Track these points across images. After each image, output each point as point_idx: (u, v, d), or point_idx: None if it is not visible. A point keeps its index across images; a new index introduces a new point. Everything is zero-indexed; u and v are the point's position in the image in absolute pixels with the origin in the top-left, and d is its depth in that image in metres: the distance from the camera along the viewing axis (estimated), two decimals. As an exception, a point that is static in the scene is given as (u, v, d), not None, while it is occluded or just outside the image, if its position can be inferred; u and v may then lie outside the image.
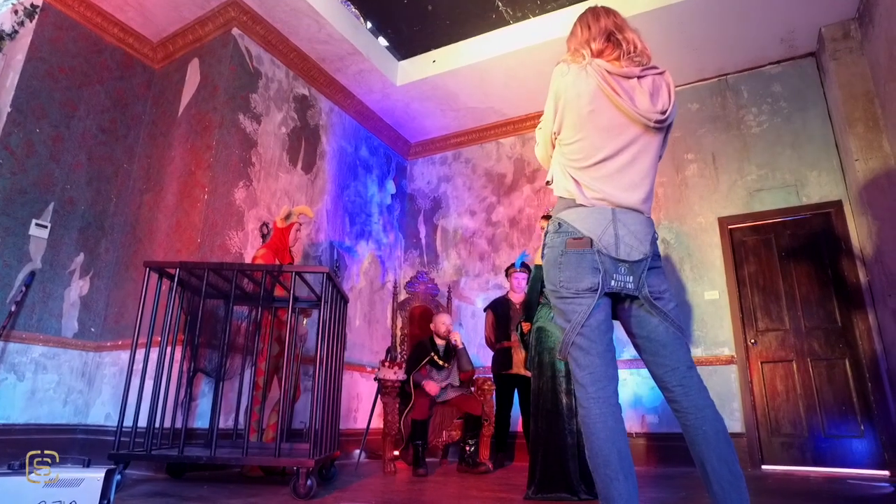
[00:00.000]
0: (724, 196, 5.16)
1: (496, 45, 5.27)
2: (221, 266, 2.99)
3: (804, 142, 4.94)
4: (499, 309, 4.97)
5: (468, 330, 5.91)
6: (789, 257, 4.85)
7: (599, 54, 1.69)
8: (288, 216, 4.04)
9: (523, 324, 3.77)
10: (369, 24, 5.27)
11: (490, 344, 4.98)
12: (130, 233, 4.58)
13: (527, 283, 4.94)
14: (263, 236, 4.54)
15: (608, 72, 1.62)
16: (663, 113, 1.62)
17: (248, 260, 4.34)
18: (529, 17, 5.15)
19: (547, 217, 3.88)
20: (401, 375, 4.31)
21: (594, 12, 1.77)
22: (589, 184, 1.61)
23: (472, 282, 6.08)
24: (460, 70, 5.45)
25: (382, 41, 5.45)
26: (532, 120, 6.18)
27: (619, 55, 1.67)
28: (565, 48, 1.83)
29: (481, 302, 5.87)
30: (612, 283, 1.56)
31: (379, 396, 4.36)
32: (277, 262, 3.75)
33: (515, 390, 4.78)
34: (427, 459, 4.39)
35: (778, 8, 4.56)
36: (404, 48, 5.58)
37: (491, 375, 4.78)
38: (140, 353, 3.18)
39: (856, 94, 4.50)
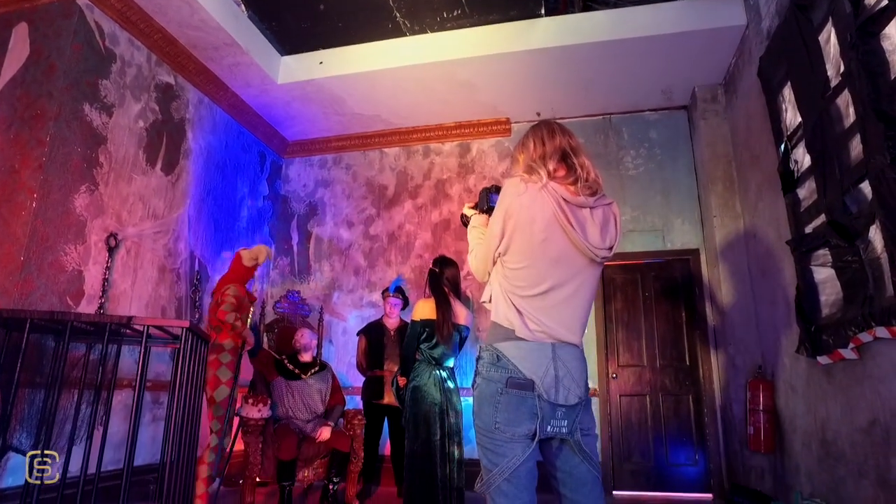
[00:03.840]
0: (598, 233, 5.36)
1: (390, 55, 4.96)
2: (51, 316, 2.46)
3: (672, 190, 5.29)
4: (372, 334, 4.78)
5: (338, 347, 5.64)
6: (652, 298, 5.20)
7: (553, 174, 1.61)
8: (258, 258, 3.95)
9: (399, 378, 3.63)
10: (251, 13, 4.68)
11: (361, 370, 4.78)
12: (-76, 236, 3.65)
13: (401, 309, 4.82)
14: (110, 249, 3.89)
15: (564, 200, 1.57)
16: (610, 249, 1.61)
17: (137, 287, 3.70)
18: (427, 33, 4.91)
19: (433, 269, 3.72)
20: (265, 413, 3.96)
21: (549, 128, 1.69)
22: (532, 315, 1.56)
23: (345, 297, 5.79)
24: (349, 76, 5.05)
25: (265, 33, 4.88)
26: (420, 133, 5.98)
27: (575, 180, 1.60)
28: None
29: (354, 319, 5.62)
30: (549, 428, 1.52)
31: (240, 433, 4.00)
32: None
33: (385, 418, 4.64)
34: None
35: (660, 61, 4.77)
36: (289, 43, 5.06)
37: (361, 407, 4.59)
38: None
39: (718, 155, 4.87)
